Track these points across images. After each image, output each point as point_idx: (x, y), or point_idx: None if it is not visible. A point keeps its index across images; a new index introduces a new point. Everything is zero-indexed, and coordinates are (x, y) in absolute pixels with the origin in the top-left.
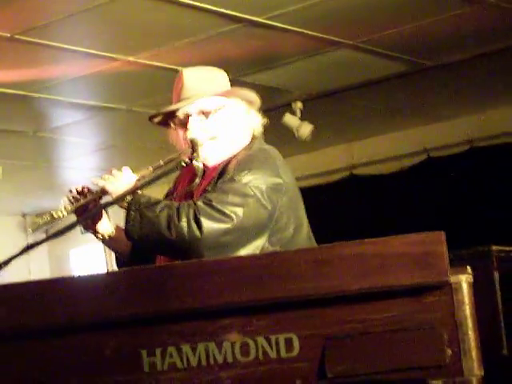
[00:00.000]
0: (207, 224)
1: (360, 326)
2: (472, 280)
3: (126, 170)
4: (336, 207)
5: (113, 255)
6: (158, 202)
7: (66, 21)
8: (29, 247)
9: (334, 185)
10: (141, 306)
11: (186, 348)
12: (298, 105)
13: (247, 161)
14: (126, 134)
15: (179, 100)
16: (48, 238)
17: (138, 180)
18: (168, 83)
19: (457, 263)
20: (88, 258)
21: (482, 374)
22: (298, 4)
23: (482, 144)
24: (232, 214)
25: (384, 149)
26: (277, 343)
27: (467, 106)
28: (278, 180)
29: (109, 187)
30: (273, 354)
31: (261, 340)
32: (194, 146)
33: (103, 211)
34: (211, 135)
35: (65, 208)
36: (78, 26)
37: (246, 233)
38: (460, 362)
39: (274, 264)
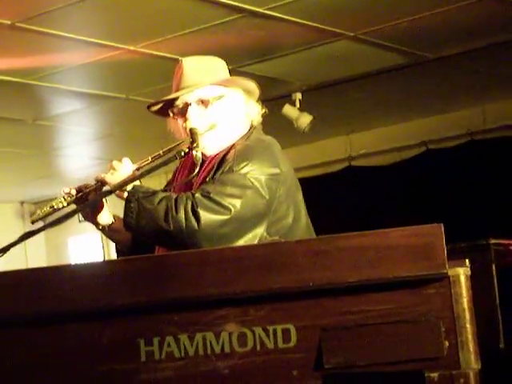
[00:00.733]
0: (205, 216)
1: (358, 318)
2: (470, 273)
3: (127, 160)
4: (334, 198)
5: (111, 244)
6: (156, 194)
7: (66, 9)
8: (27, 235)
9: (332, 176)
10: (138, 296)
11: (183, 338)
12: (298, 96)
13: (246, 151)
14: (125, 123)
15: (179, 89)
16: (46, 226)
17: (137, 170)
18: (168, 73)
19: (455, 256)
20: (86, 246)
21: (479, 366)
22: None
23: (481, 137)
24: (230, 206)
25: (383, 140)
26: (274, 334)
27: (466, 98)
28: (277, 170)
29: (108, 178)
30: (270, 345)
31: (258, 330)
32: (193, 135)
33: (103, 202)
34: (210, 124)
35: (65, 198)
36: (79, 14)
37: (243, 223)
38: (457, 355)
39: (272, 255)
